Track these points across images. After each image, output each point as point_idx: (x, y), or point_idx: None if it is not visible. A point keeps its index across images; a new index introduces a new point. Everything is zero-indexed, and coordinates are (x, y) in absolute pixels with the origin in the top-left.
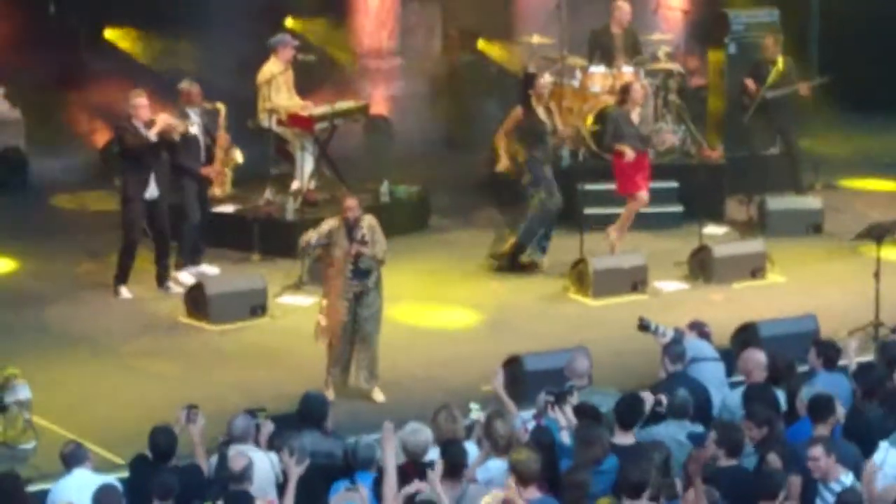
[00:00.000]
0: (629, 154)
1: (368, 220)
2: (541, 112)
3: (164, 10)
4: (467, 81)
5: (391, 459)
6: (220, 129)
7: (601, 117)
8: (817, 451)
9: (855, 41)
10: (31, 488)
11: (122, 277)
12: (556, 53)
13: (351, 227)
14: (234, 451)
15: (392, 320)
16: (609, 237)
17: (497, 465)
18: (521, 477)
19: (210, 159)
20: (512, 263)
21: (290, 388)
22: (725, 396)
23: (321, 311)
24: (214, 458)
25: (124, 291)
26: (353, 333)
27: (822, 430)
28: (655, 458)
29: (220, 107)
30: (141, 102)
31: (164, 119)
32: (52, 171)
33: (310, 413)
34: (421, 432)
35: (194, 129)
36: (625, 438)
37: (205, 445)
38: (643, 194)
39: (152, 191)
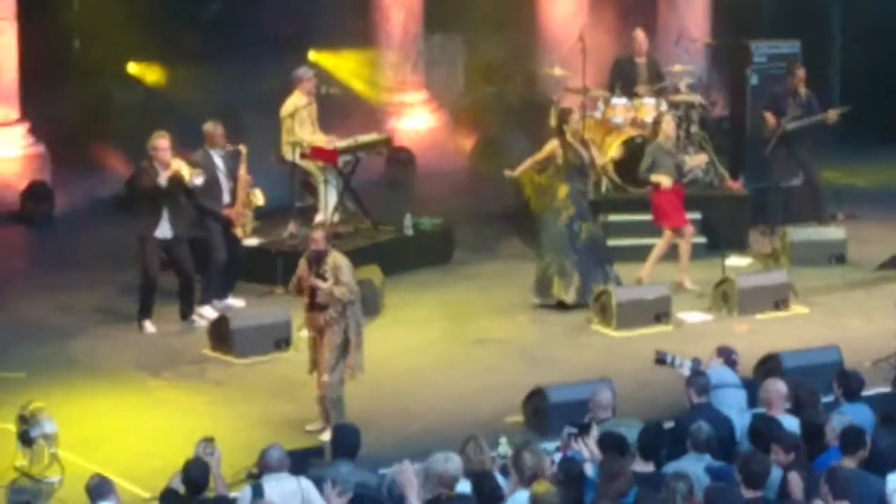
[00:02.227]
0: (666, 182)
1: (334, 259)
2: (578, 147)
3: (188, 45)
4: (490, 113)
5: (412, 494)
6: (242, 170)
7: (624, 149)
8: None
9: (877, 72)
10: None
11: (145, 312)
12: (578, 85)
13: (315, 261)
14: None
15: (416, 352)
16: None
17: (524, 496)
18: None
19: (234, 200)
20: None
21: (314, 420)
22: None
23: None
24: (247, 491)
25: (148, 326)
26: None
27: (850, 462)
28: (680, 488)
29: (242, 148)
30: (162, 145)
31: (175, 166)
32: (78, 204)
33: (342, 444)
34: (452, 461)
35: (199, 181)
36: (645, 467)
37: (222, 477)
38: (689, 228)
39: (164, 231)
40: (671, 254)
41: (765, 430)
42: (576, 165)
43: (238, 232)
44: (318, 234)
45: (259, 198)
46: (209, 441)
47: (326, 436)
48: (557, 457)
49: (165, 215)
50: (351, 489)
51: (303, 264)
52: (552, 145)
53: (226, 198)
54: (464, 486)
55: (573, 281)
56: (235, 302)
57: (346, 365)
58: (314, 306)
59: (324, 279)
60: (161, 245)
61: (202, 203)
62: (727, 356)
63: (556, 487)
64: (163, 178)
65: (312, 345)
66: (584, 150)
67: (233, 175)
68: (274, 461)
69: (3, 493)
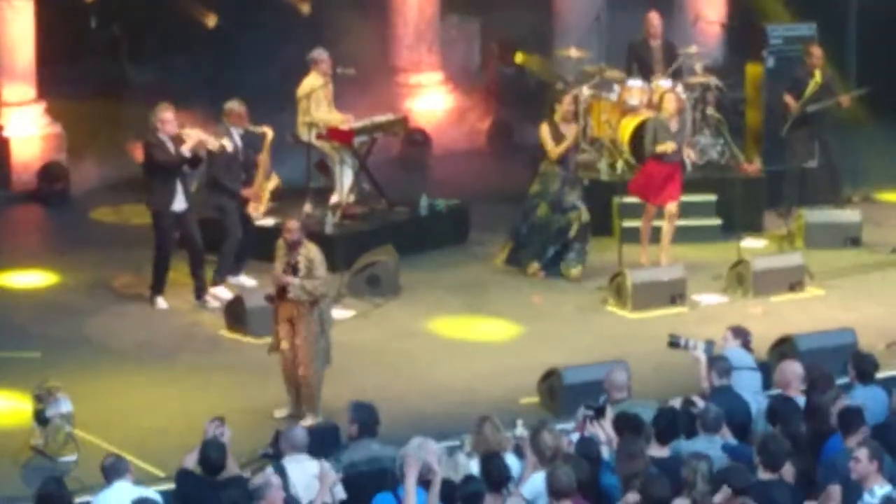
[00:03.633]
0: (671, 146)
1: (308, 251)
2: (565, 128)
3: (204, 25)
4: (506, 94)
5: (411, 480)
6: (264, 153)
7: (639, 130)
8: (862, 453)
9: (894, 54)
10: (73, 501)
11: (157, 288)
12: (594, 66)
13: (289, 250)
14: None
15: (431, 333)
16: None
17: (541, 478)
18: (555, 491)
19: (249, 180)
20: (509, 262)
21: (329, 399)
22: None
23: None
24: (269, 471)
25: (160, 302)
26: (293, 359)
27: (852, 441)
28: (702, 468)
29: (268, 131)
30: (167, 117)
31: (196, 134)
32: (93, 184)
33: (368, 420)
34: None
35: (230, 147)
36: (660, 452)
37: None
38: (672, 205)
39: (180, 203)
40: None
41: (782, 411)
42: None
43: (252, 210)
44: (293, 224)
45: (276, 181)
46: (220, 421)
47: (308, 422)
48: (575, 437)
49: (179, 188)
50: (341, 467)
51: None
52: (542, 129)
53: (241, 174)
54: (474, 467)
55: (508, 244)
56: (247, 280)
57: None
58: (285, 295)
59: (296, 270)
60: (175, 218)
61: (222, 180)
62: (744, 337)
63: (572, 468)
64: (185, 150)
65: (279, 331)
66: (569, 131)
67: (250, 157)
68: (297, 442)
69: (21, 473)
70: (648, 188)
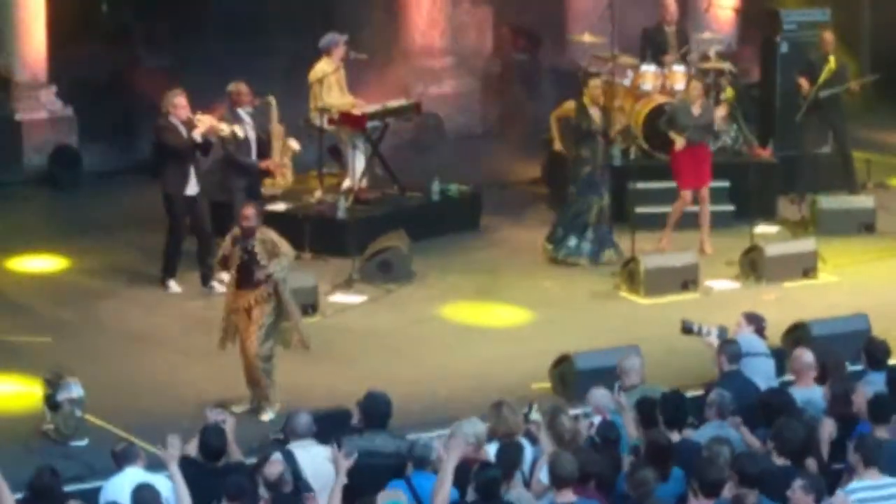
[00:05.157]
0: (679, 143)
1: (263, 234)
2: (594, 112)
3: (216, 8)
4: (518, 79)
5: (452, 464)
6: (274, 122)
7: (653, 115)
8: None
9: None
10: (83, 486)
11: (170, 271)
12: (608, 52)
13: (244, 237)
14: (275, 456)
15: (443, 319)
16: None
17: None
18: (557, 478)
19: (265, 155)
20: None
21: (340, 385)
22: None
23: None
24: (277, 456)
25: (173, 285)
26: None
27: (881, 432)
28: (724, 452)
29: (271, 100)
30: (180, 102)
31: (209, 120)
32: (105, 167)
33: (373, 412)
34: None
35: (241, 133)
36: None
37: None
38: (702, 192)
39: (193, 187)
40: (698, 222)
41: (777, 404)
42: (583, 130)
43: (280, 181)
44: (251, 211)
45: (295, 144)
46: (220, 409)
47: (267, 416)
48: (597, 420)
49: (192, 172)
50: (355, 450)
51: (235, 240)
52: (569, 103)
53: (252, 155)
54: (490, 450)
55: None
56: None
57: (293, 340)
58: (245, 284)
59: (253, 254)
60: (187, 202)
61: (236, 157)
62: (757, 324)
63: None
64: (197, 134)
65: (229, 323)
66: (597, 116)
67: (263, 129)
68: (301, 427)
69: (32, 458)
70: (681, 175)
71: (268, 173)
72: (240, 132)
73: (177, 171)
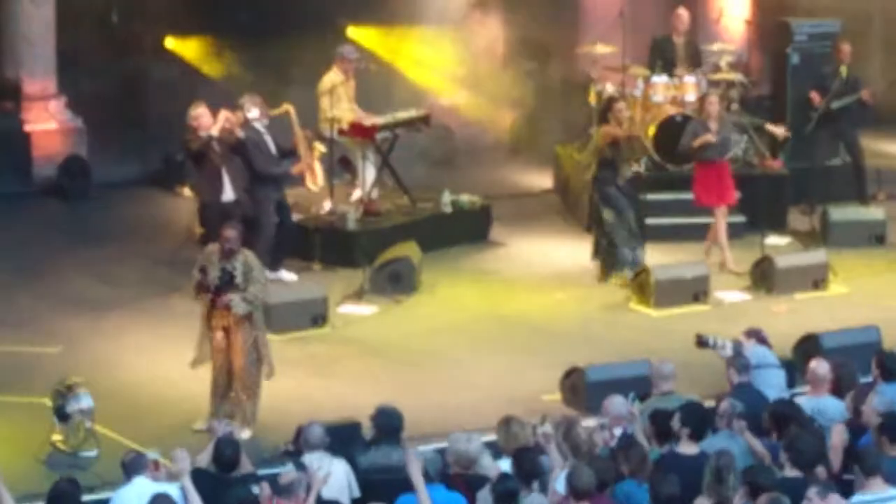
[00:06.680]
0: (710, 137)
1: (246, 258)
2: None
3: (226, 19)
4: (529, 90)
5: (417, 478)
6: (296, 127)
7: (664, 127)
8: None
9: None
10: (93, 496)
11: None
12: (618, 62)
13: (225, 257)
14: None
15: (453, 329)
16: (708, 254)
17: None
18: (575, 490)
19: (297, 158)
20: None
21: (350, 397)
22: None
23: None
24: (289, 467)
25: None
26: (229, 367)
27: (893, 450)
28: (731, 465)
29: (289, 107)
30: (202, 112)
31: (223, 115)
32: (114, 178)
33: (387, 427)
34: (473, 441)
35: (258, 125)
36: (689, 448)
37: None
38: (720, 209)
39: (228, 193)
40: (705, 232)
41: (785, 413)
42: (611, 156)
43: (312, 186)
44: (231, 232)
45: (321, 146)
46: (227, 420)
47: (246, 434)
48: (618, 431)
49: (226, 178)
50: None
51: (210, 256)
52: (602, 133)
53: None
54: (506, 466)
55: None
56: (287, 275)
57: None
58: (219, 304)
59: (232, 276)
60: (222, 210)
61: (265, 167)
62: (757, 336)
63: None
64: (214, 130)
65: (206, 341)
66: (622, 142)
67: (283, 143)
68: (314, 439)
69: (41, 469)
70: (710, 192)
71: (299, 178)
72: (256, 123)
73: (209, 179)
